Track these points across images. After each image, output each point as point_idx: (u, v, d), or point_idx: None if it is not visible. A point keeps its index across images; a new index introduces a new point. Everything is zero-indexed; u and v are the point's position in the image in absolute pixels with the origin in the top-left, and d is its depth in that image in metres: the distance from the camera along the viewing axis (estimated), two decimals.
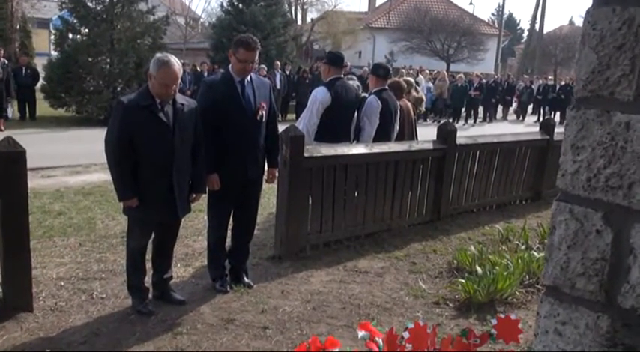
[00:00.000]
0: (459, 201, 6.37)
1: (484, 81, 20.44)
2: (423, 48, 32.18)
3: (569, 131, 1.04)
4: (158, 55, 3.73)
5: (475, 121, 19.61)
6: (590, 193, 1.01)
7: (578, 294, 1.04)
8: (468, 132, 13.94)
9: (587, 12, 1.00)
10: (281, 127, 4.58)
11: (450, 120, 18.20)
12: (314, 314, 3.80)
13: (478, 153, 6.46)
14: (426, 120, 17.85)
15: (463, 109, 19.61)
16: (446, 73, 21.39)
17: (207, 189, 3.97)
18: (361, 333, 2.44)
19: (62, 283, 4.14)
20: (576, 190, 1.03)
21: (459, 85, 19.33)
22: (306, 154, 4.64)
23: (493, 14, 52.42)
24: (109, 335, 3.39)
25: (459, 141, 6.13)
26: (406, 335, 2.39)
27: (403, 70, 19.65)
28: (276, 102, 12.38)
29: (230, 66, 4.11)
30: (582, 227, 1.03)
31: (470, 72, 23.44)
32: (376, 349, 2.38)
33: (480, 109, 20.23)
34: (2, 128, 11.77)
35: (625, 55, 0.95)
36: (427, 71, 21.90)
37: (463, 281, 4.09)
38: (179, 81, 3.62)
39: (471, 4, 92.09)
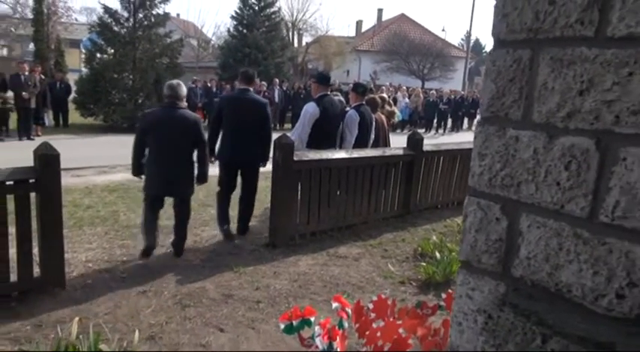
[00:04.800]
0: (426, 199, 6.48)
1: (453, 96, 20.57)
2: (402, 68, 32.28)
3: (476, 142, 1.16)
4: (171, 81, 4.47)
5: (445, 131, 19.72)
6: (492, 190, 1.13)
7: (484, 267, 1.16)
8: (438, 140, 14.05)
9: (489, 52, 1.13)
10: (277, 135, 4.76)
11: (423, 131, 18.39)
12: (300, 291, 3.88)
13: (442, 158, 6.58)
14: (403, 130, 17.96)
15: (435, 121, 19.73)
16: (420, 90, 21.50)
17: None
18: (335, 305, 2.54)
19: (90, 265, 4.19)
20: (482, 187, 1.15)
21: (431, 99, 19.45)
22: (295, 158, 4.74)
23: (462, 39, 52.62)
24: (128, 307, 3.45)
25: (426, 148, 6.23)
26: (370, 306, 2.50)
27: (384, 87, 19.74)
28: (274, 113, 12.60)
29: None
30: (486, 215, 1.14)
31: (441, 88, 23.56)
32: (346, 317, 2.49)
33: (450, 121, 20.35)
34: (39, 134, 11.75)
35: (515, 86, 1.08)
36: (404, 88, 22.03)
37: (425, 264, 4.20)
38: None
39: (443, 30, 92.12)
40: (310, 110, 5.17)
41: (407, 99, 19.57)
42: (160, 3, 15.10)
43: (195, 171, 4.40)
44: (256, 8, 21.80)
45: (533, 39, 1.01)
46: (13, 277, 3.42)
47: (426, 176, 6.35)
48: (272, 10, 22.32)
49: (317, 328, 2.29)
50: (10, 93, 11.41)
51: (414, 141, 6.07)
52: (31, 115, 11.63)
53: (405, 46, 32.08)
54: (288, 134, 4.98)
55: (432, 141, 10.02)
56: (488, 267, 1.15)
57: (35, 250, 3.54)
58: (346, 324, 2.41)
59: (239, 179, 5.16)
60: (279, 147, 4.67)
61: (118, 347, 2.58)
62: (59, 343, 2.29)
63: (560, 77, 0.94)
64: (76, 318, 2.65)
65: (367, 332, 2.31)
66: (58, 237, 3.56)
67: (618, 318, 0.84)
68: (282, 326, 2.35)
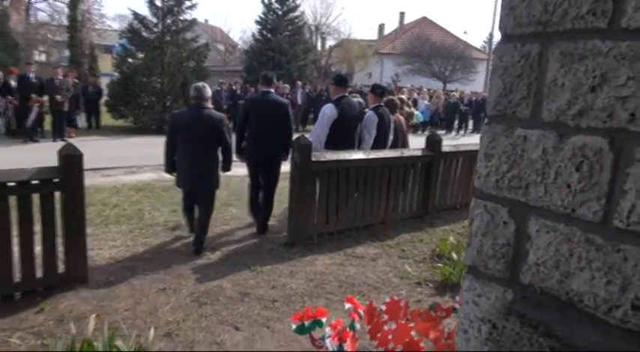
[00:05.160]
0: (444, 199, 6.35)
1: (474, 98, 20.24)
2: (423, 70, 31.92)
3: (483, 142, 1.08)
4: (196, 84, 4.70)
5: (465, 132, 19.41)
6: (499, 192, 1.05)
7: (490, 273, 1.08)
8: (458, 141, 13.83)
9: (496, 48, 1.05)
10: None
11: (444, 132, 18.14)
12: (315, 290, 3.83)
13: (461, 159, 6.44)
14: (424, 131, 17.76)
15: (456, 122, 19.44)
16: (441, 92, 21.22)
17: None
18: (347, 306, 2.48)
19: (113, 262, 4.22)
20: (488, 189, 1.08)
21: (452, 101, 19.17)
22: (313, 159, 4.69)
23: (485, 41, 51.78)
24: (148, 303, 3.46)
25: (445, 149, 6.11)
26: (383, 307, 2.42)
27: (405, 89, 19.55)
28: (296, 115, 13.11)
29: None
30: (493, 219, 1.07)
31: (462, 90, 23.22)
32: (358, 318, 2.42)
33: (471, 122, 20.02)
34: (72, 135, 11.99)
35: (523, 82, 1.00)
36: (425, 90, 21.78)
37: (441, 265, 4.09)
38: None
39: (465, 32, 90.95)
40: (328, 112, 5.12)
41: (426, 101, 19.32)
42: (188, 9, 15.27)
43: (220, 165, 4.64)
44: (280, 13, 21.88)
45: (542, 32, 0.93)
46: (39, 273, 3.46)
47: (444, 177, 6.22)
48: (295, 14, 22.37)
49: (327, 329, 2.24)
50: (46, 97, 11.67)
51: (433, 142, 5.96)
52: (64, 118, 11.88)
53: (427, 48, 31.72)
54: (307, 135, 4.93)
55: (452, 142, 9.85)
56: (495, 273, 1.08)
57: (60, 247, 3.56)
58: (358, 326, 2.35)
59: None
60: (297, 147, 4.63)
61: (135, 344, 2.57)
62: (74, 340, 2.29)
63: (571, 72, 0.86)
64: (93, 315, 2.65)
65: (379, 334, 2.25)
66: (81, 234, 3.59)
67: (633, 331, 0.76)
68: (294, 327, 2.30)
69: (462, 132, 19.41)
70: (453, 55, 31.48)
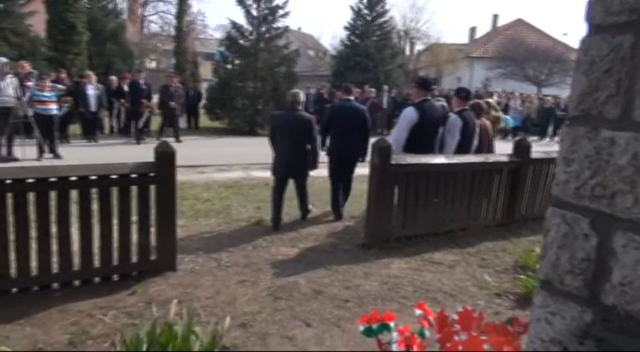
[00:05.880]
0: (532, 208, 5.90)
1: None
2: (516, 74, 30.15)
3: (562, 145, 0.97)
4: (292, 90, 5.62)
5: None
6: (579, 201, 0.93)
7: (567, 289, 0.96)
8: (552, 148, 12.89)
9: (582, 40, 0.93)
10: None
11: (537, 138, 16.97)
12: (388, 293, 3.73)
13: (551, 166, 5.95)
14: (514, 137, 16.75)
15: (551, 128, 18.13)
16: (534, 96, 19.91)
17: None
18: (418, 312, 2.39)
19: (200, 252, 4.42)
20: (567, 198, 0.96)
21: (546, 106, 17.90)
22: (392, 162, 4.59)
23: None
24: (227, 294, 3.58)
25: (534, 155, 5.69)
26: (455, 317, 2.30)
27: (495, 93, 18.63)
28: (382, 118, 13.83)
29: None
30: (572, 230, 0.95)
31: (559, 95, 21.60)
32: (427, 326, 2.32)
33: None
34: (181, 140, 12.08)
35: (612, 78, 0.87)
36: (517, 94, 20.53)
37: (524, 277, 3.81)
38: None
39: (565, 34, 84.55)
40: (408, 115, 5.01)
41: (518, 106, 18.21)
42: (281, 17, 15.73)
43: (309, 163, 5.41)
44: (368, 19, 21.84)
45: (636, 21, 0.80)
46: (134, 259, 3.72)
47: (533, 184, 5.79)
48: (384, 19, 22.21)
49: (395, 334, 2.16)
50: (154, 101, 12.62)
51: (521, 148, 5.57)
52: (178, 121, 12.71)
53: (521, 51, 29.90)
54: (387, 138, 4.85)
55: (545, 148, 9.19)
56: (572, 290, 0.96)
57: (153, 236, 3.81)
58: (427, 333, 2.24)
59: None
60: (376, 150, 4.56)
61: (212, 331, 2.67)
62: (154, 323, 2.42)
63: None
64: (175, 301, 2.79)
65: (449, 344, 2.13)
66: (171, 225, 3.80)
67: None
68: (361, 328, 2.25)
69: (556, 138, 18.04)
70: (550, 58, 29.38)
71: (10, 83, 8.42)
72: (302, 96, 5.48)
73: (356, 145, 5.69)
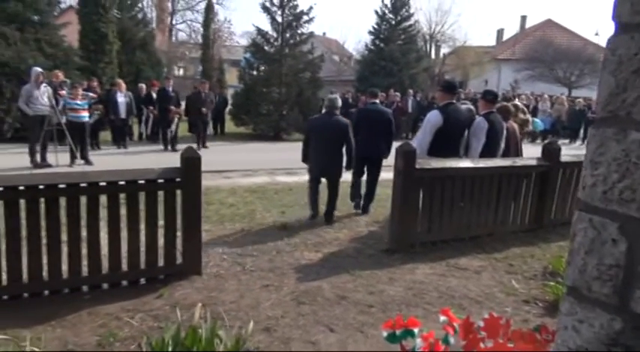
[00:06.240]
0: (562, 213, 5.73)
1: None
2: (546, 76, 29.43)
3: (589, 148, 0.94)
4: (330, 96, 6.25)
5: None
6: (607, 205, 0.90)
7: (595, 296, 0.93)
8: (583, 151, 12.51)
9: (609, 40, 0.90)
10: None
11: (568, 141, 16.54)
12: (413, 299, 3.68)
13: (581, 169, 5.79)
14: (544, 140, 16.37)
15: (581, 131, 17.64)
16: (565, 98, 19.41)
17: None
18: (442, 318, 2.35)
19: (225, 256, 4.46)
20: (595, 202, 0.93)
21: (577, 108, 17.43)
22: (417, 166, 4.55)
23: None
24: (251, 298, 3.59)
25: (564, 158, 5.54)
26: (481, 324, 2.25)
27: (523, 96, 18.27)
28: (407, 122, 14.31)
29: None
30: (599, 235, 0.92)
31: (590, 97, 21.00)
32: (452, 332, 2.28)
33: None
34: (207, 146, 12.45)
35: None
36: (546, 96, 20.06)
37: (553, 284, 3.70)
38: None
39: (596, 34, 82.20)
40: (432, 119, 4.96)
41: (548, 108, 17.77)
42: (305, 23, 15.83)
43: (344, 161, 5.72)
44: (393, 23, 21.76)
45: None
46: (160, 262, 3.78)
47: (562, 189, 5.63)
48: (408, 23, 22.09)
49: (419, 340, 2.12)
50: (181, 107, 12.84)
51: (550, 151, 5.44)
52: (207, 127, 12.90)
53: (550, 52, 29.20)
54: (411, 142, 4.81)
55: (575, 151, 8.94)
56: (600, 297, 0.93)
57: (179, 241, 3.86)
58: (452, 340, 2.20)
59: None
60: (400, 154, 4.53)
61: (236, 335, 2.69)
62: (179, 326, 2.45)
63: None
64: (199, 304, 2.83)
65: None
66: (197, 230, 3.85)
67: None
68: (385, 334, 2.23)
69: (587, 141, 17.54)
70: (581, 59, 28.59)
71: (45, 92, 8.74)
72: (339, 102, 5.86)
73: (381, 146, 6.04)
